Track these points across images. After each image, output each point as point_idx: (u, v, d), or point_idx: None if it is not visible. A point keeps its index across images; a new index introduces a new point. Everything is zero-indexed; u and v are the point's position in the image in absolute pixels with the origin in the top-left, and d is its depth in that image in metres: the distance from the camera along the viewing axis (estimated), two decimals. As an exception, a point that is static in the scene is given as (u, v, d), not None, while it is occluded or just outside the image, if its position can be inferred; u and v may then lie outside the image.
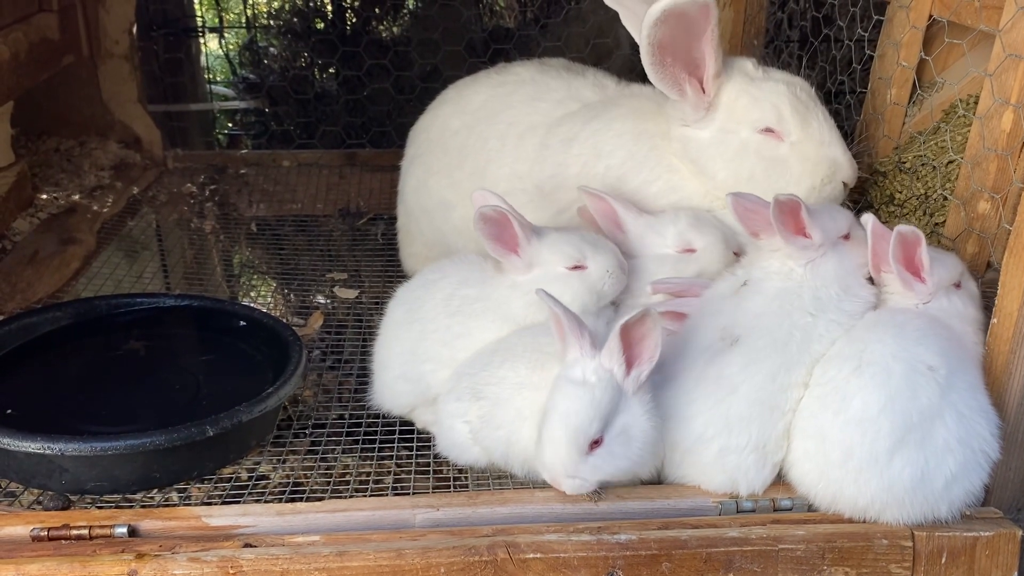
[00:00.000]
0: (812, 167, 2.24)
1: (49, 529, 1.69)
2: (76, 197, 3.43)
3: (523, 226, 2.04)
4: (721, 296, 1.98)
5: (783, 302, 1.89)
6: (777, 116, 2.22)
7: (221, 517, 1.75)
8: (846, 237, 1.98)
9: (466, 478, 2.01)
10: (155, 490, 1.97)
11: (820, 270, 1.93)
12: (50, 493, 1.92)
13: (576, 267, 2.07)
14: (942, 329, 1.84)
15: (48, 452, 1.86)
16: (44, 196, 3.39)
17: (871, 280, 1.96)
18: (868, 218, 1.92)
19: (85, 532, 1.69)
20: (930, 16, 2.37)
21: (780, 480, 1.86)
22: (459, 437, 1.96)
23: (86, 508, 1.89)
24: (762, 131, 2.23)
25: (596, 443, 1.71)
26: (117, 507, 1.90)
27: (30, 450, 1.86)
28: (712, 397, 1.82)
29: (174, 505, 1.93)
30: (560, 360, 1.79)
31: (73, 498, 1.92)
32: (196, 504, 1.93)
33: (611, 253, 2.11)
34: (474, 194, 2.15)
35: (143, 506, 1.92)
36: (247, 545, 1.66)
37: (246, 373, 2.28)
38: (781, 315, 1.88)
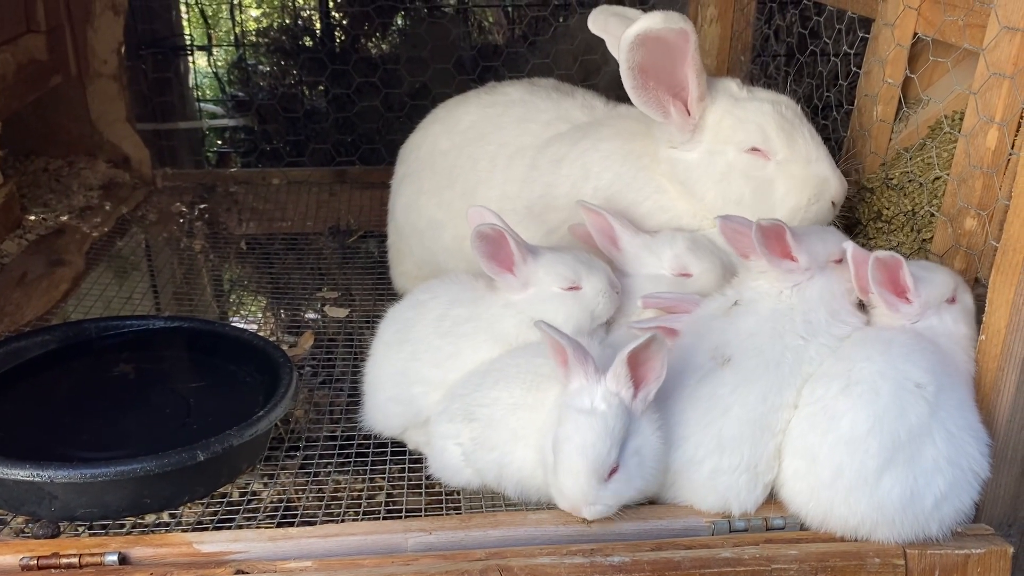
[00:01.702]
0: (800, 185, 2.25)
1: (39, 558, 1.68)
2: (65, 218, 3.41)
3: (519, 245, 2.04)
4: (711, 316, 1.98)
5: (776, 323, 1.89)
6: (763, 136, 2.23)
7: (212, 543, 1.74)
8: (839, 261, 1.97)
9: (459, 496, 2.01)
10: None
11: (806, 293, 1.93)
12: (40, 520, 1.90)
13: (571, 287, 2.07)
14: (930, 345, 1.85)
15: (37, 479, 1.84)
16: (32, 217, 3.37)
17: (862, 304, 1.96)
18: (847, 245, 1.93)
19: (75, 560, 1.68)
20: (915, 34, 2.39)
21: (772, 499, 1.86)
22: (451, 459, 1.95)
23: (76, 536, 1.87)
24: (748, 151, 2.24)
25: (613, 469, 1.72)
26: (108, 534, 1.88)
27: (19, 477, 1.84)
28: (704, 418, 1.82)
29: (166, 529, 1.92)
30: (562, 387, 1.79)
31: (63, 525, 1.91)
32: (188, 529, 1.92)
33: (605, 274, 2.11)
34: (470, 211, 2.15)
35: (134, 527, 1.91)
36: (239, 572, 1.65)
37: (237, 396, 2.27)
38: (774, 336, 1.88)
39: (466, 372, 2.05)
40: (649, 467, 1.77)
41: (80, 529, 1.92)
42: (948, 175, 2.18)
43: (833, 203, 2.29)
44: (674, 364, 1.92)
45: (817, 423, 1.77)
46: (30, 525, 1.90)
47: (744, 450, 1.79)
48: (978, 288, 2.05)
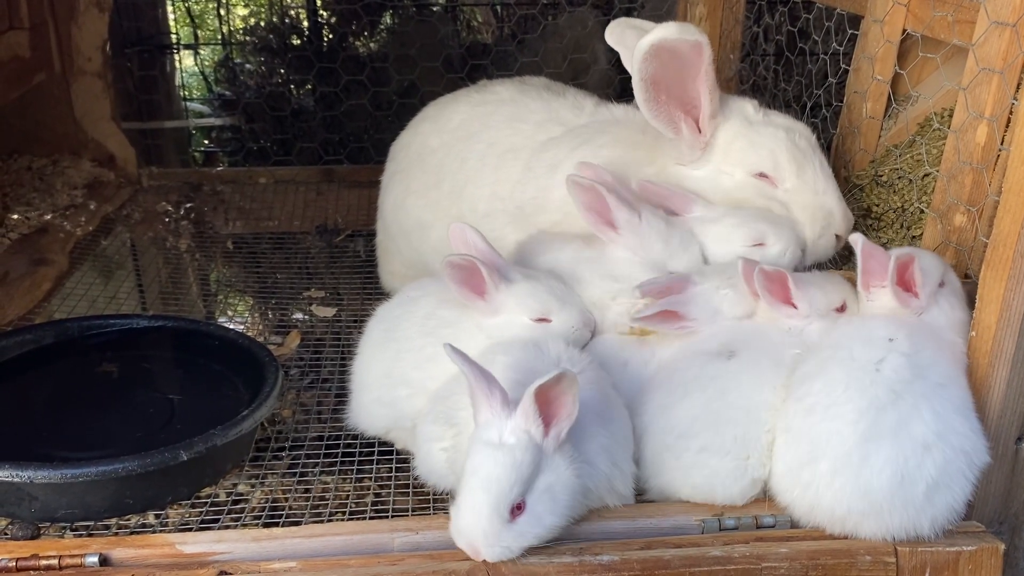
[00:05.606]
0: (807, 217, 2.22)
1: (17, 560, 1.65)
2: (48, 217, 3.38)
3: (491, 273, 1.99)
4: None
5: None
6: (773, 162, 2.21)
7: (195, 544, 1.71)
8: (840, 309, 1.97)
9: (447, 497, 1.98)
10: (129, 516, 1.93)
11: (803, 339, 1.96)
12: (19, 522, 1.87)
13: (540, 319, 2.02)
14: (912, 321, 1.86)
15: (17, 480, 1.81)
16: (15, 216, 3.34)
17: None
18: (858, 237, 1.91)
19: (55, 562, 1.65)
20: (904, 30, 2.39)
21: (763, 497, 1.84)
22: (436, 464, 1.91)
23: (57, 537, 1.84)
24: (756, 175, 2.22)
25: (518, 508, 1.62)
26: (89, 534, 1.86)
27: (-2, 478, 1.82)
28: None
29: (148, 530, 1.89)
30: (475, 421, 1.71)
31: (44, 526, 1.88)
32: (171, 530, 1.89)
33: (577, 310, 2.06)
34: (452, 227, 2.11)
35: (119, 529, 1.88)
36: (222, 573, 1.63)
37: (221, 395, 2.25)
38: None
39: (449, 375, 2.00)
40: (562, 505, 1.67)
41: (63, 530, 1.89)
42: (938, 171, 2.17)
43: (838, 236, 2.25)
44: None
45: (797, 407, 1.77)
46: (9, 526, 1.87)
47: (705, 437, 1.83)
48: (968, 284, 2.05)
